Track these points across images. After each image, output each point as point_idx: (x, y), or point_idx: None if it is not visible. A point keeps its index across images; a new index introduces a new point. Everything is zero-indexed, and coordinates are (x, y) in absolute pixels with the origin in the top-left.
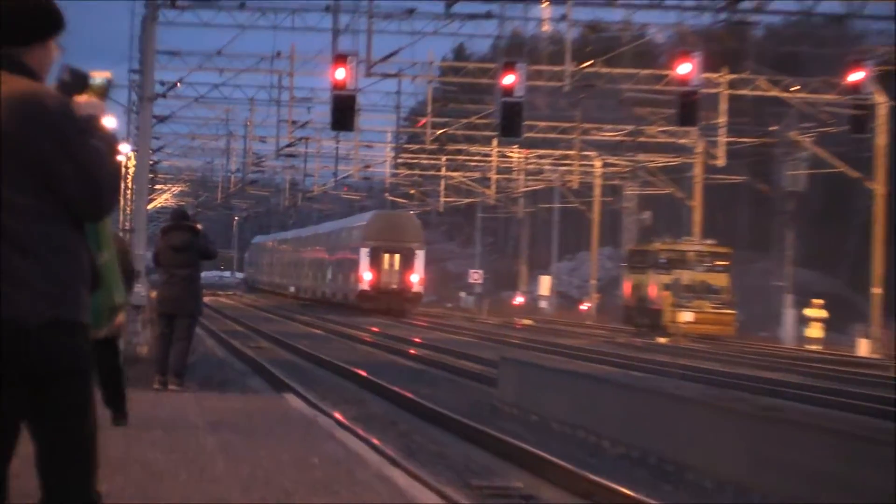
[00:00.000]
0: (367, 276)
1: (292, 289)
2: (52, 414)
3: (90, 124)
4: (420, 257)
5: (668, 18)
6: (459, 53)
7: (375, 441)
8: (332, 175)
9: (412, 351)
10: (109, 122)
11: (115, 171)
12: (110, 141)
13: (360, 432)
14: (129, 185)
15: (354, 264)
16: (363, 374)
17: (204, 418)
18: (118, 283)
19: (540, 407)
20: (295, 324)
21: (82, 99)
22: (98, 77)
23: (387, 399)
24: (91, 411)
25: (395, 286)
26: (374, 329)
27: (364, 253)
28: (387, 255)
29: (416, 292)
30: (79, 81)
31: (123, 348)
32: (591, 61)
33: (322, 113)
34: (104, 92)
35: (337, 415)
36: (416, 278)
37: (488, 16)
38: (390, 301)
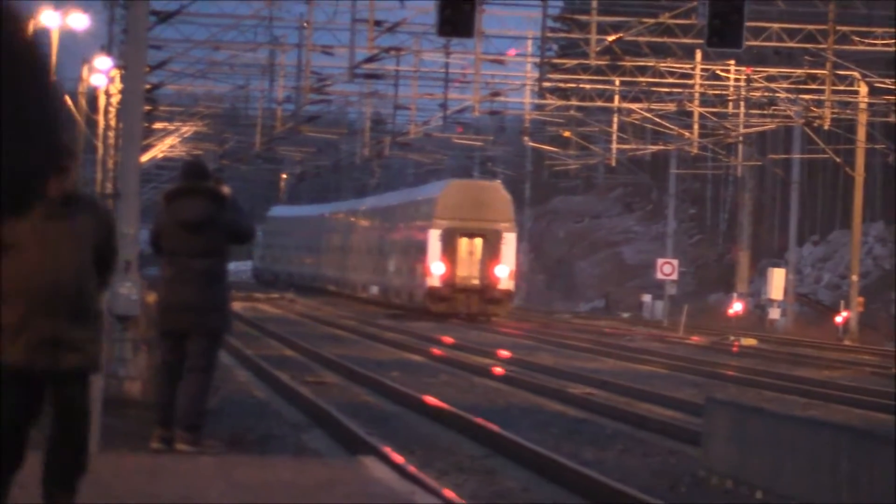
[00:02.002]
0: (437, 268)
1: (332, 286)
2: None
3: None
4: (510, 243)
5: None
6: None
7: None
8: (439, 108)
9: (564, 388)
10: (78, 20)
11: None
12: None
13: None
14: (112, 124)
15: (421, 252)
16: (489, 425)
17: (233, 498)
18: None
19: (770, 479)
20: (378, 345)
21: None
22: None
23: (526, 467)
24: None
25: (476, 282)
26: (503, 354)
27: (434, 236)
28: (465, 240)
29: (504, 290)
30: None
31: (102, 385)
32: None
33: (423, 8)
34: None
35: (448, 493)
36: (504, 271)
37: None
38: (469, 302)
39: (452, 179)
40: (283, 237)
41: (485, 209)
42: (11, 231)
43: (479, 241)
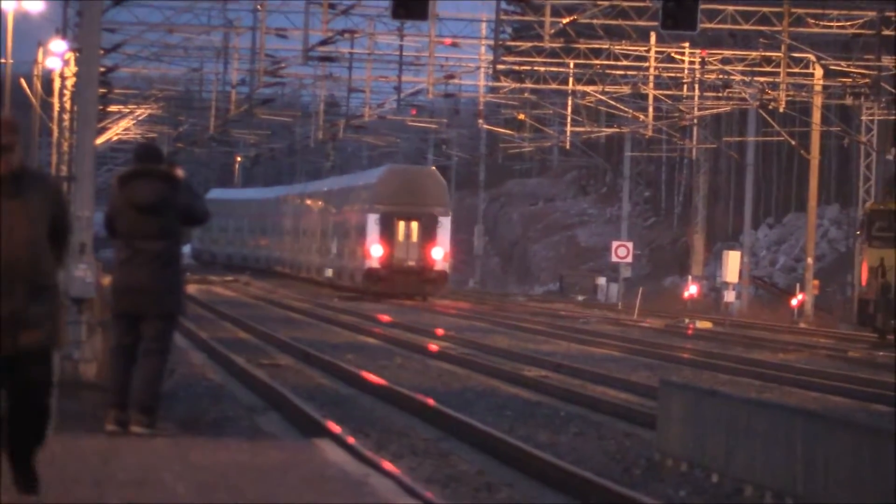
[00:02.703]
0: (376, 250)
1: (275, 267)
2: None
3: None
4: (445, 226)
5: None
6: None
7: None
8: (394, 90)
9: (517, 370)
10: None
11: None
12: None
13: None
14: (67, 107)
15: (360, 235)
16: (441, 407)
17: (188, 480)
18: None
19: (725, 462)
20: (333, 328)
21: None
22: None
23: (480, 449)
24: None
25: (412, 263)
26: (449, 334)
27: (372, 220)
28: (402, 224)
29: (439, 271)
30: None
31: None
32: None
33: None
34: None
35: (400, 474)
36: (439, 253)
37: None
38: (406, 282)
39: (390, 165)
40: (223, 220)
41: (420, 194)
42: None
43: (415, 225)
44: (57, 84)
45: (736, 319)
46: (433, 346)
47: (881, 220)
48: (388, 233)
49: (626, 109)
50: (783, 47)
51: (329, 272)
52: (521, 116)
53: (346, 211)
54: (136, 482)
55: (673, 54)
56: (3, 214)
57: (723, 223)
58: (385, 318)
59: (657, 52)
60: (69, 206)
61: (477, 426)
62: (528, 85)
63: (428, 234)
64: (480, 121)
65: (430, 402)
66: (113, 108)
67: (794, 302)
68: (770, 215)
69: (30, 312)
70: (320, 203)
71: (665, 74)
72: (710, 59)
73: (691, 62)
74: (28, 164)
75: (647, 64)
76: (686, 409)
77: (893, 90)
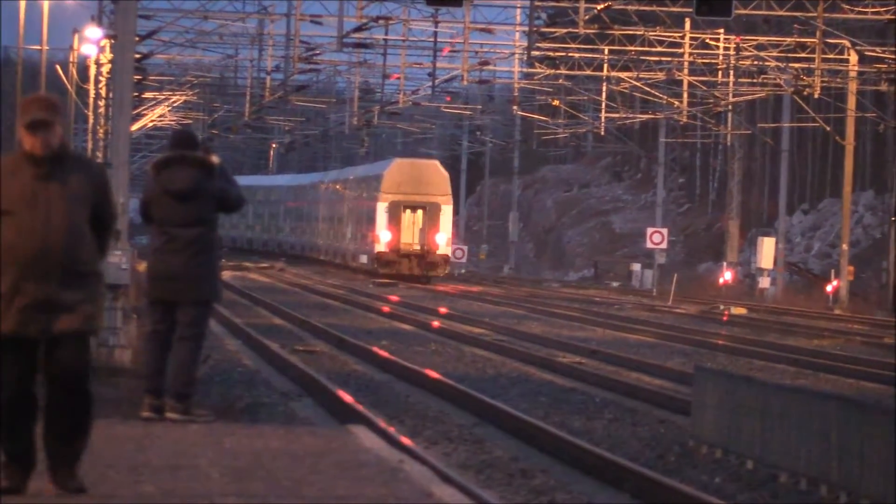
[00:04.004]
0: (384, 236)
1: (291, 251)
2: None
3: None
4: (447, 214)
5: None
6: None
7: None
8: (428, 77)
9: (553, 357)
10: None
11: None
12: None
13: (474, 489)
14: (103, 93)
15: (370, 222)
16: (476, 394)
17: (223, 466)
18: None
19: (760, 448)
20: (369, 314)
21: None
22: None
23: (514, 435)
24: None
25: (417, 248)
26: (483, 321)
27: (381, 209)
28: (408, 212)
29: (442, 255)
30: None
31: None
32: None
33: None
34: None
35: (435, 461)
36: (442, 238)
37: None
38: (412, 265)
39: (397, 158)
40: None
41: (425, 185)
42: (6, 196)
43: (420, 213)
44: (92, 71)
45: (771, 306)
46: (470, 331)
47: None
48: (395, 220)
49: (661, 95)
50: (818, 33)
51: (363, 258)
52: (556, 103)
53: (357, 199)
54: (171, 468)
55: (707, 40)
56: (41, 199)
57: (757, 209)
58: (425, 305)
59: (692, 39)
60: (112, 191)
61: (511, 412)
62: (563, 71)
63: (431, 221)
64: (515, 107)
65: (462, 387)
66: (148, 94)
67: (828, 288)
68: (805, 201)
69: (63, 298)
70: (336, 191)
71: (699, 60)
72: (745, 46)
73: (726, 48)
74: (70, 147)
75: (681, 50)
76: (721, 396)
77: None
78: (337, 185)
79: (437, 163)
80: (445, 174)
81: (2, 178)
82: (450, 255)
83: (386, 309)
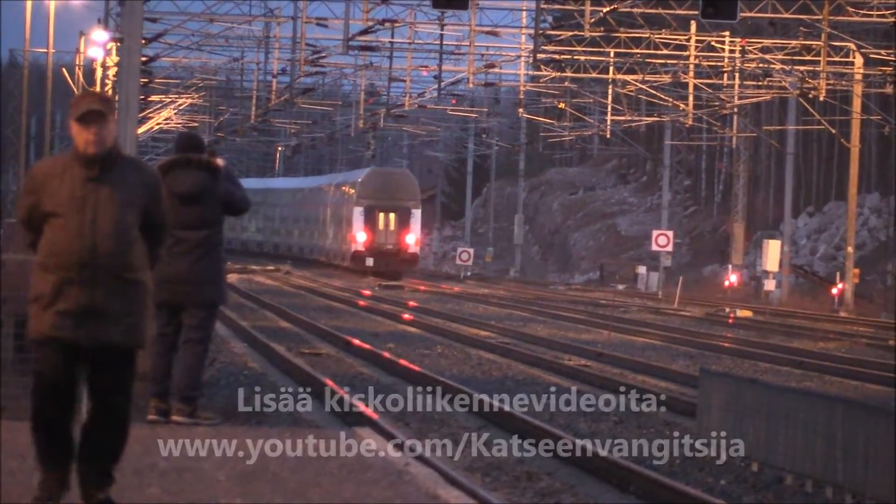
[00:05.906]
0: (361, 236)
1: (280, 251)
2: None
3: None
4: (416, 217)
5: None
6: None
7: None
8: (434, 80)
9: (559, 359)
10: None
11: None
12: None
13: (480, 492)
14: (109, 95)
15: (348, 224)
16: (482, 396)
17: (228, 469)
18: None
19: (766, 450)
20: (374, 317)
21: None
22: None
23: (520, 436)
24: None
25: (390, 247)
26: (489, 324)
27: (357, 212)
28: (382, 215)
29: (412, 253)
30: None
31: None
32: None
33: None
34: None
35: (440, 463)
36: (412, 239)
37: None
38: (386, 262)
39: (372, 167)
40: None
41: (397, 191)
42: (53, 198)
43: (392, 216)
44: (99, 74)
45: (776, 308)
46: (474, 333)
47: None
48: (370, 222)
49: (667, 98)
50: (823, 36)
51: (342, 256)
52: (562, 105)
53: (338, 204)
54: (177, 471)
55: (713, 43)
56: (90, 201)
57: (763, 212)
58: (430, 307)
59: (697, 41)
60: (164, 196)
61: (514, 413)
62: (569, 74)
63: (402, 223)
64: (520, 110)
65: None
66: (154, 97)
67: (834, 291)
68: (810, 204)
69: (107, 306)
70: (321, 196)
71: (705, 63)
72: (750, 48)
73: (731, 51)
74: (122, 148)
75: (687, 53)
76: (726, 398)
77: None
78: (321, 190)
79: (407, 171)
80: (415, 182)
81: (49, 179)
82: (419, 253)
83: (391, 311)
